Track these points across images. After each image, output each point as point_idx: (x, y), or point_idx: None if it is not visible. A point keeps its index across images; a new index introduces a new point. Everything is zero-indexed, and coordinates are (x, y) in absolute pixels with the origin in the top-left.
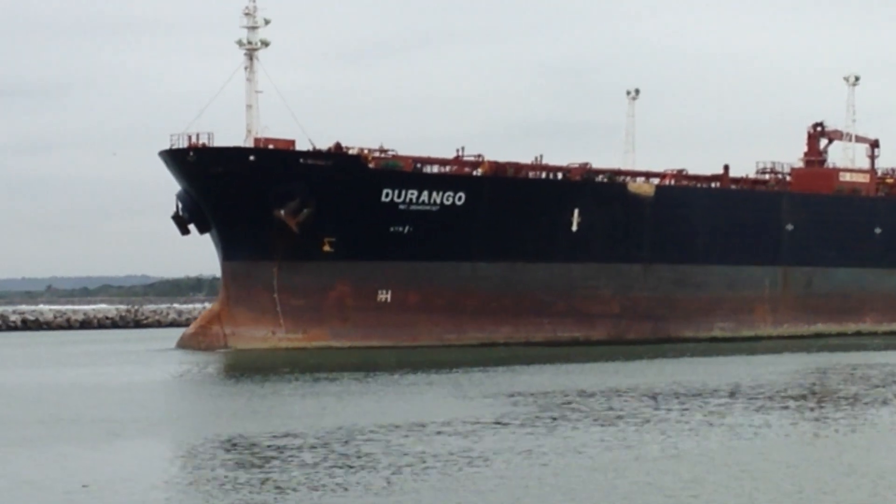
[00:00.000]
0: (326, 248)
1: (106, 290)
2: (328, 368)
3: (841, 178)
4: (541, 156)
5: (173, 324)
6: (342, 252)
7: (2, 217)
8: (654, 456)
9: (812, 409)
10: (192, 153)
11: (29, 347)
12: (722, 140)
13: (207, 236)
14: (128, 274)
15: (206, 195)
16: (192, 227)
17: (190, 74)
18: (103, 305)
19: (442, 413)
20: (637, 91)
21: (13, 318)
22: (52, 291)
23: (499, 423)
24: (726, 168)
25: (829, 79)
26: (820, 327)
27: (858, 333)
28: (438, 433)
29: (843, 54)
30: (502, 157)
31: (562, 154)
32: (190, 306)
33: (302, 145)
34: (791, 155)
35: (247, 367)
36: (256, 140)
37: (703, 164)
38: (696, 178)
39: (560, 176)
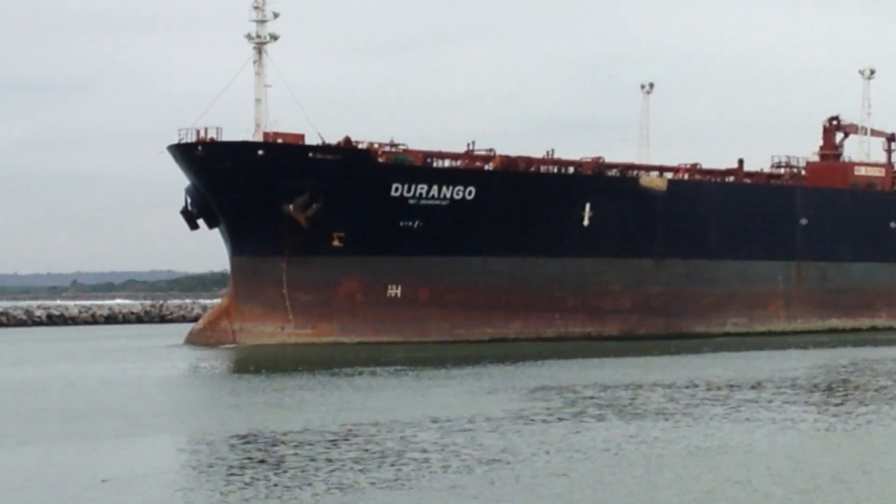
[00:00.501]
0: (336, 243)
1: (131, 285)
2: (340, 364)
3: (856, 172)
4: (552, 150)
5: (198, 318)
6: (351, 247)
7: (27, 213)
8: (693, 450)
9: (843, 404)
10: (200, 148)
11: (45, 343)
12: (738, 135)
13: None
14: (152, 269)
15: (214, 190)
16: (200, 221)
17: (210, 70)
18: (128, 301)
19: (476, 408)
20: (651, 85)
21: (38, 313)
22: (77, 287)
23: (531, 417)
24: (741, 162)
25: (845, 73)
26: (834, 322)
27: (873, 328)
28: (472, 429)
29: (859, 48)
30: (520, 153)
31: (581, 150)
32: (215, 301)
33: (311, 140)
34: (807, 149)
35: (258, 363)
36: (265, 134)
37: (719, 160)
38: (710, 172)
39: (571, 170)
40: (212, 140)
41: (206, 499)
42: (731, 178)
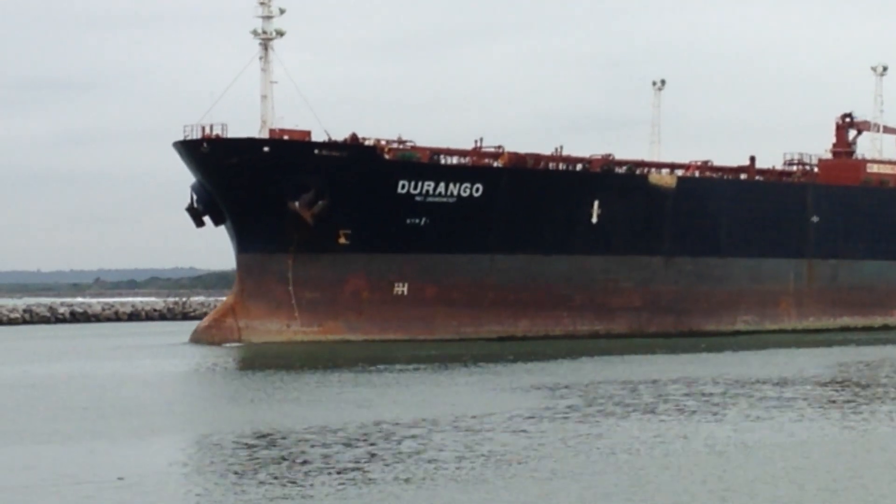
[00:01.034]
0: (342, 240)
1: (153, 282)
2: (353, 361)
3: (868, 170)
4: (561, 147)
5: None
6: (358, 244)
7: (50, 210)
8: (717, 448)
9: (867, 402)
10: (205, 144)
11: (58, 340)
12: (752, 133)
13: None
14: (175, 266)
15: (220, 187)
16: (206, 219)
17: (230, 67)
18: (151, 298)
19: (503, 406)
20: (663, 82)
21: (62, 310)
22: (100, 284)
23: (554, 415)
24: (752, 159)
25: (858, 70)
26: (846, 321)
27: (886, 327)
28: (495, 427)
29: (873, 45)
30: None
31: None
32: None
33: (318, 137)
34: (821, 147)
35: (265, 362)
36: (271, 131)
37: (732, 157)
38: (722, 169)
39: (580, 167)
40: (217, 137)
41: (222, 497)
42: (744, 176)
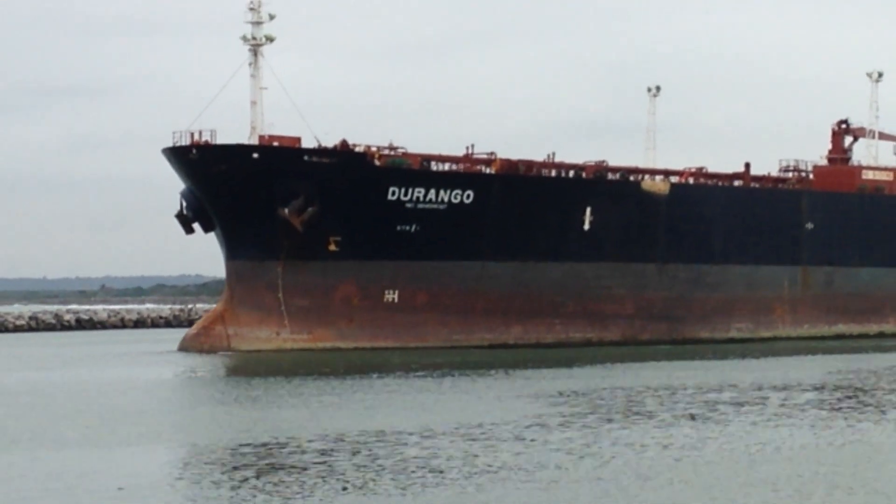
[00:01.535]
0: (332, 247)
1: (160, 289)
2: (352, 370)
3: (864, 176)
4: (553, 153)
5: None
6: (348, 251)
7: (56, 217)
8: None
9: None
10: (194, 151)
11: (57, 348)
12: (748, 139)
13: None
14: (182, 273)
15: (209, 193)
16: (196, 226)
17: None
18: (157, 305)
19: (504, 415)
20: (658, 88)
21: (67, 317)
22: (106, 291)
23: (561, 422)
24: (747, 166)
25: (855, 76)
26: (841, 328)
27: (881, 335)
28: (502, 436)
29: (869, 51)
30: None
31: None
32: None
33: (308, 143)
34: (817, 154)
35: (257, 370)
36: (261, 137)
37: (729, 163)
38: (716, 176)
39: (572, 174)
40: (206, 143)
41: None
42: (739, 183)
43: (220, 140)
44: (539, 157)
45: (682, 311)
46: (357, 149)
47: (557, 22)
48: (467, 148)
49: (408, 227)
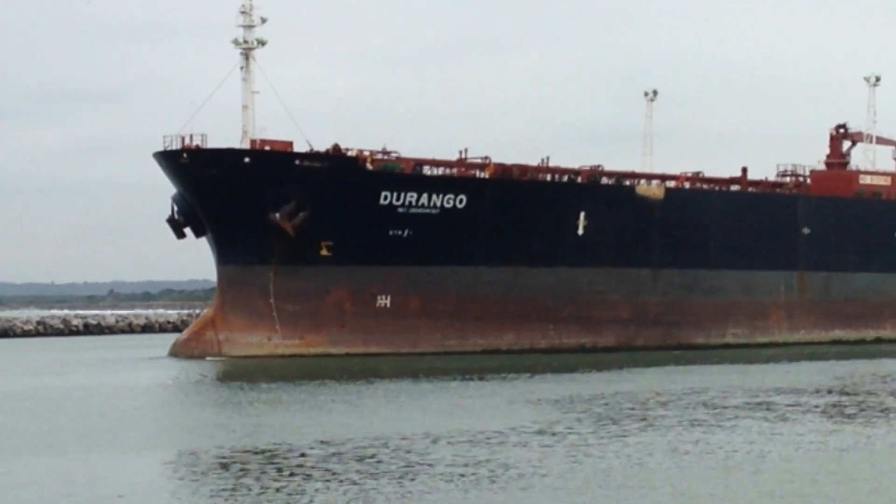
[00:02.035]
0: (324, 251)
1: (168, 294)
2: (358, 375)
3: (861, 181)
4: (547, 158)
5: None
6: (340, 256)
7: (64, 222)
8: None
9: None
10: (185, 155)
11: (53, 353)
12: (747, 144)
13: None
14: (190, 278)
15: (200, 198)
16: (188, 230)
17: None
18: (165, 310)
19: (508, 421)
20: (655, 92)
21: (75, 322)
22: (115, 296)
23: (568, 430)
24: (744, 170)
25: (853, 80)
26: (838, 333)
27: (878, 340)
28: (506, 441)
29: (867, 55)
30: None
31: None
32: None
33: (301, 148)
34: (815, 158)
35: (250, 376)
36: (252, 142)
37: (728, 169)
38: (713, 180)
39: (566, 178)
40: (197, 147)
41: None
42: (736, 187)
43: (212, 144)
44: (536, 162)
45: (677, 316)
46: (349, 153)
47: (555, 28)
48: (461, 152)
49: (400, 232)
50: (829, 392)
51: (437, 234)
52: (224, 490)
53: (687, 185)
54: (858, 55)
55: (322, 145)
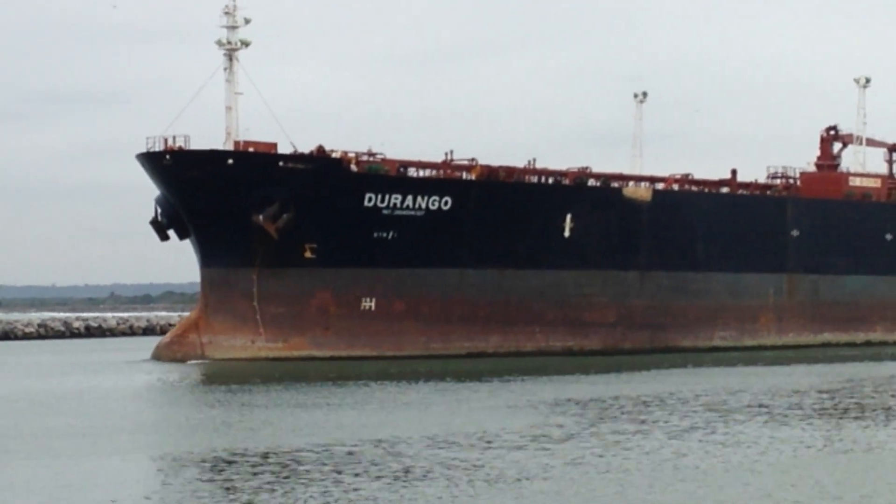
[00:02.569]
0: (308, 254)
1: (168, 296)
2: (346, 377)
3: (851, 183)
4: (534, 160)
5: None
6: (324, 258)
7: (65, 224)
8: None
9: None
10: (168, 156)
11: (61, 355)
12: (738, 147)
13: None
14: (191, 280)
15: (183, 200)
16: (171, 233)
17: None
18: (166, 312)
19: (506, 423)
20: (645, 94)
21: (77, 324)
22: (115, 298)
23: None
24: (734, 172)
25: (843, 83)
26: (827, 336)
27: (868, 343)
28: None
29: (857, 56)
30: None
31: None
32: None
33: (285, 149)
34: (806, 160)
35: (233, 379)
36: (236, 143)
37: (719, 171)
38: (703, 182)
39: (552, 180)
40: (180, 148)
41: None
42: (726, 189)
43: (195, 146)
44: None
45: (665, 319)
46: (333, 155)
47: (547, 33)
48: (446, 154)
49: (385, 234)
50: (823, 395)
51: (422, 236)
52: (214, 494)
53: (675, 187)
54: (849, 57)
55: (308, 148)
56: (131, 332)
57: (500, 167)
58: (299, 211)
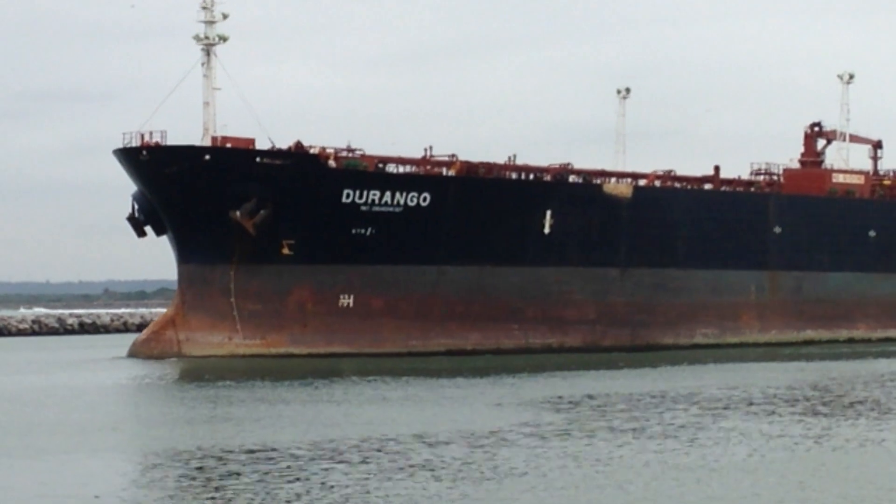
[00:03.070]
0: (285, 250)
1: (162, 293)
2: (329, 374)
3: (834, 180)
4: (514, 155)
5: None
6: (302, 255)
7: (59, 221)
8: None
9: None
10: (144, 152)
11: (30, 353)
12: (722, 143)
13: None
14: None
15: (159, 196)
16: (148, 229)
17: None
18: (161, 309)
19: (500, 422)
20: (628, 90)
21: (70, 321)
22: (110, 294)
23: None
24: (717, 169)
25: (828, 79)
26: (810, 334)
27: (851, 340)
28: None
29: (841, 52)
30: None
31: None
32: None
33: (263, 145)
34: (790, 157)
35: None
36: (213, 139)
37: (703, 168)
38: (685, 179)
39: (532, 177)
40: (156, 144)
41: None
42: (709, 186)
43: (172, 141)
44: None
45: (646, 316)
46: (311, 150)
47: (532, 31)
48: (425, 150)
49: (363, 231)
50: (803, 392)
51: (400, 232)
52: (196, 490)
53: (658, 183)
54: (833, 53)
55: (286, 144)
56: (125, 328)
57: (480, 163)
58: (277, 207)
